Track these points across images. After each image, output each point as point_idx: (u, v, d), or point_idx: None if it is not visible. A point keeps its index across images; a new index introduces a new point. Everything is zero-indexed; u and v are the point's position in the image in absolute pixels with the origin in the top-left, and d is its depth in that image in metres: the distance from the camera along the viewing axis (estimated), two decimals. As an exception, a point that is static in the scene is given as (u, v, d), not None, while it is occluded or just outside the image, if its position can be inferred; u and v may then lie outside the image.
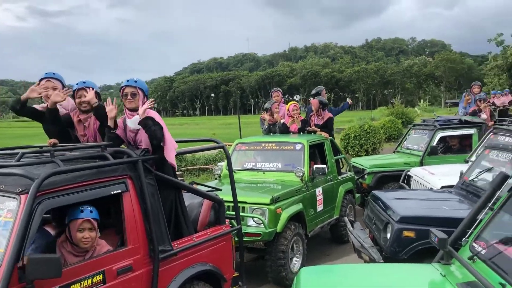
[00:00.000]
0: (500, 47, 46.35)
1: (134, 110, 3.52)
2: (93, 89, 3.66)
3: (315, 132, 6.91)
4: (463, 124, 8.20)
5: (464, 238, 2.72)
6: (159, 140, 3.44)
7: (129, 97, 3.50)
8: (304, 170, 5.75)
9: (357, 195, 7.39)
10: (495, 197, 2.73)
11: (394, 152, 9.35)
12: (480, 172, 4.64)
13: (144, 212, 3.21)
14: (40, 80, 3.82)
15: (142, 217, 3.19)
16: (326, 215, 6.29)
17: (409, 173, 7.04)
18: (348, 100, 9.34)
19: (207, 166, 13.11)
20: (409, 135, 9.10)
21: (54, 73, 3.85)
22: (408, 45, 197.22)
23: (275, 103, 7.57)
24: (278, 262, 5.06)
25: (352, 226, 4.86)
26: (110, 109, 3.46)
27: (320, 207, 6.06)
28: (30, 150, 3.22)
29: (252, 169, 6.21)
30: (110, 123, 3.49)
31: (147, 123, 3.39)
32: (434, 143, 8.01)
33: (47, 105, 3.58)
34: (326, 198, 6.23)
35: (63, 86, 3.87)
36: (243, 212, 5.00)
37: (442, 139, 8.21)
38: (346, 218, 5.23)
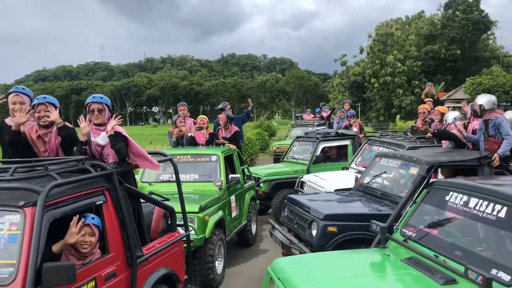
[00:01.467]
0: (343, 67, 52.32)
1: (101, 125, 3.68)
2: (56, 107, 3.71)
3: (223, 144, 7.44)
4: (340, 136, 9.50)
5: (395, 226, 3.53)
6: (123, 156, 3.66)
7: (96, 113, 3.66)
8: (222, 180, 6.24)
9: (257, 201, 8.08)
10: (416, 194, 3.60)
11: (280, 161, 10.31)
12: (374, 176, 5.66)
13: (120, 221, 3.40)
14: (9, 93, 3.83)
15: (119, 226, 3.39)
16: (237, 221, 6.84)
17: (302, 179, 7.97)
18: (250, 102, 10.01)
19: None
20: (293, 146, 10.15)
21: (24, 88, 3.92)
22: (260, 61, 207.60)
23: (180, 116, 7.90)
24: (207, 266, 5.44)
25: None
26: (84, 125, 3.59)
27: (234, 214, 6.59)
28: (22, 164, 3.19)
29: (169, 181, 6.47)
30: (82, 138, 3.60)
31: (115, 139, 3.59)
32: (318, 153, 9.14)
33: (12, 126, 3.57)
34: (237, 205, 6.78)
35: (31, 100, 3.88)
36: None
37: (322, 149, 9.40)
38: (271, 220, 5.83)
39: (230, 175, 6.49)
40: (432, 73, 43.75)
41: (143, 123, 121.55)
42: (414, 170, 5.04)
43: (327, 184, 7.13)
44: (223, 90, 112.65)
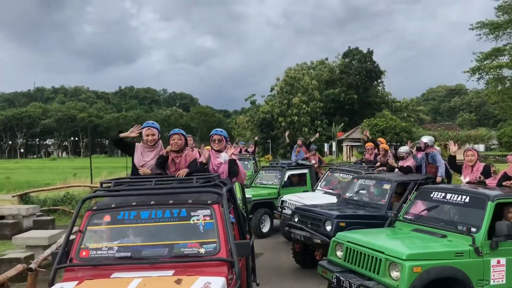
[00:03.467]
0: (251, 105, 55.64)
1: (220, 151, 5.50)
2: (184, 137, 5.38)
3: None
4: (300, 166, 11.91)
5: (399, 214, 5.92)
6: (236, 175, 5.42)
7: (216, 142, 5.37)
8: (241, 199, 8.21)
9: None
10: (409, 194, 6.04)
11: (249, 187, 12.38)
12: (355, 192, 8.09)
13: (237, 217, 5.09)
14: (143, 127, 5.10)
15: (237, 221, 5.10)
16: (244, 230, 8.79)
17: (282, 199, 10.16)
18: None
19: (64, 208, 13.60)
20: (260, 174, 12.31)
21: (153, 123, 5.19)
22: (160, 96, 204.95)
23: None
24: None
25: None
26: (207, 152, 5.30)
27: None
28: (201, 176, 4.51)
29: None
30: (204, 161, 5.34)
31: (233, 164, 5.35)
32: (285, 178, 11.42)
33: (163, 153, 5.03)
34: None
35: (159, 132, 5.15)
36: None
37: (288, 176, 11.70)
38: (290, 223, 7.88)
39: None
40: (332, 114, 49.05)
41: (35, 156, 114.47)
42: (387, 186, 7.55)
43: (307, 202, 9.38)
44: (125, 124, 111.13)
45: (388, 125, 33.65)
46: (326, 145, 42.79)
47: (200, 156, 9.26)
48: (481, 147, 37.91)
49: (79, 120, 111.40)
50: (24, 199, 13.40)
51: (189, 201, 3.87)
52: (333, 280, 5.14)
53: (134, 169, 5.15)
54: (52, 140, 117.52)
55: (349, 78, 48.61)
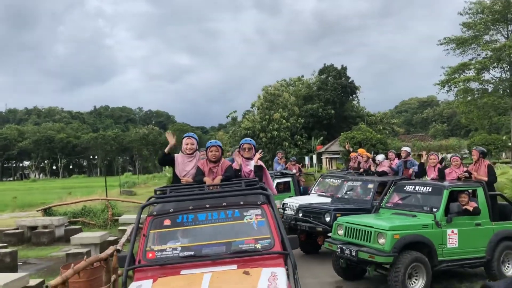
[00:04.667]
0: (231, 121, 57.47)
1: (249, 158, 7.15)
2: (222, 149, 7.12)
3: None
4: (284, 175, 13.84)
5: (382, 203, 7.97)
6: (260, 181, 7.10)
7: (246, 150, 6.02)
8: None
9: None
10: (387, 191, 8.11)
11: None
12: (345, 192, 10.12)
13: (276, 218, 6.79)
14: (184, 137, 5.65)
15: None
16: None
17: (284, 202, 12.09)
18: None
19: (84, 220, 15.21)
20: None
21: (193, 134, 5.77)
22: (135, 114, 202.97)
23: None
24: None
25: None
26: (238, 160, 6.86)
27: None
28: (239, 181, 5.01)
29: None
30: (238, 167, 6.92)
31: (258, 170, 7.07)
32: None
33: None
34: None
35: (197, 143, 5.67)
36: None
37: (276, 183, 13.58)
38: (296, 217, 9.80)
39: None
40: (311, 128, 51.29)
41: (11, 178, 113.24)
42: (371, 186, 9.61)
43: (305, 202, 11.35)
44: (103, 143, 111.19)
45: (365, 137, 36.03)
46: (306, 158, 44.84)
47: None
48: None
49: (58, 141, 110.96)
50: (47, 212, 14.98)
51: (240, 203, 4.20)
52: (337, 250, 7.12)
53: (176, 179, 5.57)
54: (29, 162, 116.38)
55: (326, 94, 51.10)
